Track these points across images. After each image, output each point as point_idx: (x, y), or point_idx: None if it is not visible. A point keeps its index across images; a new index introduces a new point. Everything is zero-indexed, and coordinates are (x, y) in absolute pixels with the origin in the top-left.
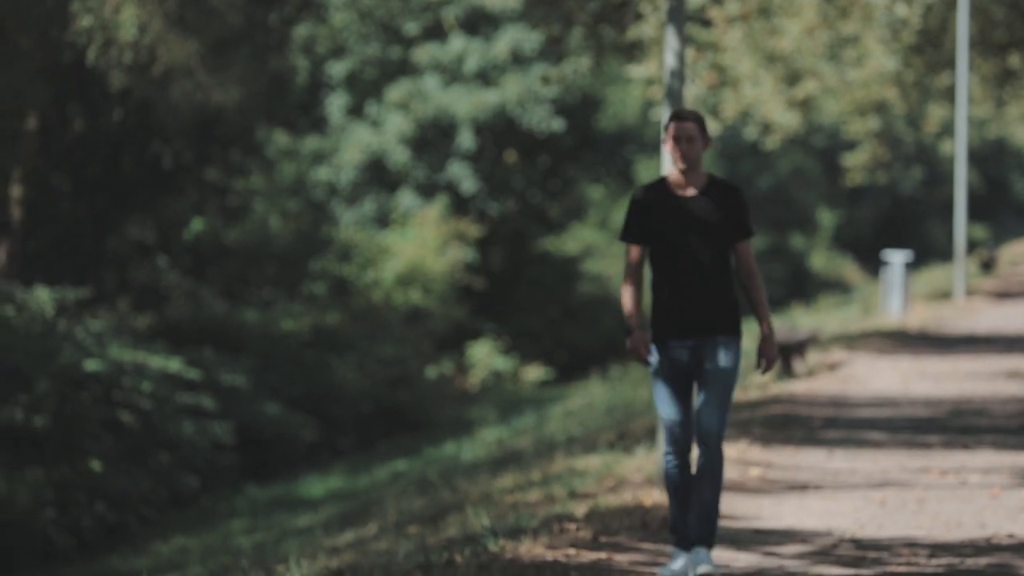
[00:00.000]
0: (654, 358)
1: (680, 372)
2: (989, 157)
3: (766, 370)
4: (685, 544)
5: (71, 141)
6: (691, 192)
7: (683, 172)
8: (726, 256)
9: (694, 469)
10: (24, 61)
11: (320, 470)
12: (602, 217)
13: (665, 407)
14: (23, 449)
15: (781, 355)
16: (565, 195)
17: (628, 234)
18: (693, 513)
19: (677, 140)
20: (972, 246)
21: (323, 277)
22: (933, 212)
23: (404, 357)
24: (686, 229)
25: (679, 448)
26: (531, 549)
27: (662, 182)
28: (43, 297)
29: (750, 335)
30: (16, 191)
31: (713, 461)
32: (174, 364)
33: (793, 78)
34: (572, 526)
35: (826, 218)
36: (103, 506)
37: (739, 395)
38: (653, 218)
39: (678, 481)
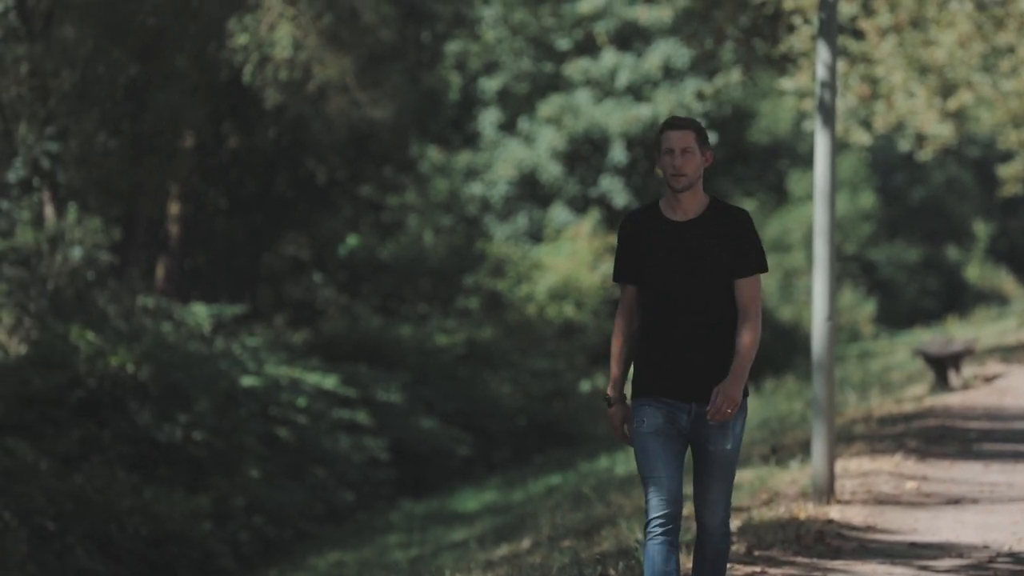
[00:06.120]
0: (640, 411)
1: (673, 430)
2: None
3: (713, 414)
4: None
5: (227, 159)
6: (688, 217)
7: (678, 193)
8: (731, 296)
9: (691, 553)
10: (181, 79)
11: (475, 484)
12: None
13: (651, 468)
14: (182, 464)
15: (935, 367)
16: None
17: (619, 273)
18: None
19: (671, 153)
20: None
21: (477, 292)
22: None
23: (558, 371)
24: (680, 262)
25: (667, 520)
26: (684, 562)
27: (654, 207)
28: (200, 314)
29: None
30: (173, 208)
31: (719, 551)
32: (330, 381)
33: (947, 89)
34: None
35: (981, 230)
36: (261, 520)
37: (893, 408)
38: (642, 251)
39: (663, 567)
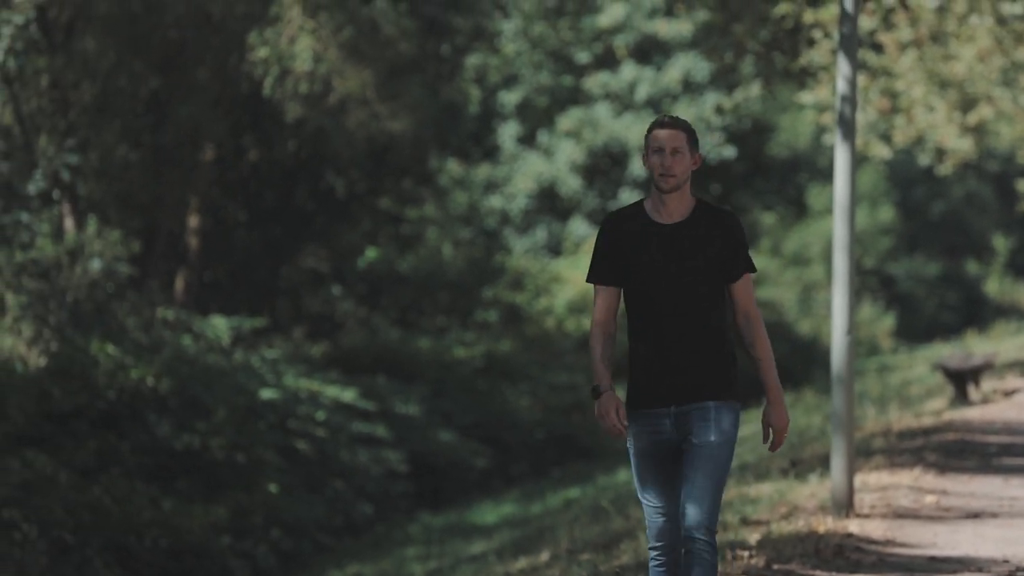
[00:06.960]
0: (629, 430)
1: (663, 446)
2: None
3: (775, 446)
4: None
5: (246, 171)
6: (675, 220)
7: (665, 194)
8: (719, 300)
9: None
10: (202, 92)
11: (493, 497)
12: (774, 244)
13: (645, 490)
14: (201, 477)
15: (955, 381)
16: None
17: (595, 274)
18: None
19: (660, 152)
20: None
21: (495, 305)
22: None
23: (576, 384)
24: (668, 265)
25: (666, 543)
26: None
27: (638, 208)
28: (219, 326)
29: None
30: (193, 221)
31: (704, 563)
32: (349, 394)
33: (967, 104)
34: (745, 553)
35: (1001, 244)
36: (279, 533)
37: (912, 422)
38: (627, 253)
39: None
